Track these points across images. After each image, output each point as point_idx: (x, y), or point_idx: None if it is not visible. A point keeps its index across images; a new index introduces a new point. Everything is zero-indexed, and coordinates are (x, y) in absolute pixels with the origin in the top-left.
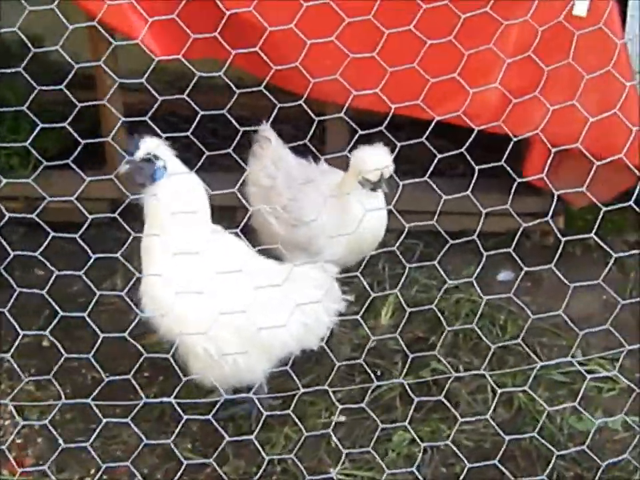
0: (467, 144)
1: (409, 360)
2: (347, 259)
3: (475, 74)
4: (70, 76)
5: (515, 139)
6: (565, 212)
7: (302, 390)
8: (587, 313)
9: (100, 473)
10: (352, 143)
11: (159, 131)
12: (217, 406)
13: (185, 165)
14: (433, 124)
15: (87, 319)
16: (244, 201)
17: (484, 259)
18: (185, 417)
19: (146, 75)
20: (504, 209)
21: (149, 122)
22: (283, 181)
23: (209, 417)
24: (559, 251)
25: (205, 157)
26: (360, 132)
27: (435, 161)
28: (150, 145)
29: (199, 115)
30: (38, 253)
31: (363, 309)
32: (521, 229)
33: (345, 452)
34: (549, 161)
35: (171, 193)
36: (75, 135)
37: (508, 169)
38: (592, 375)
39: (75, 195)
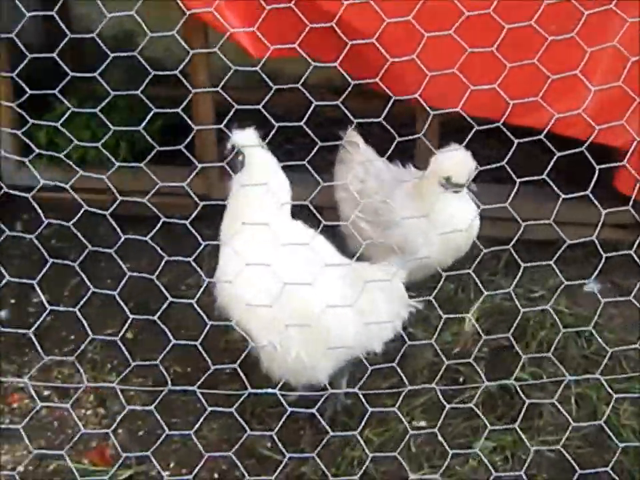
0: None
1: (494, 366)
2: (441, 260)
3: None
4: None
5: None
6: None
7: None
8: None
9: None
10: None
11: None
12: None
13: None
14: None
15: (195, 305)
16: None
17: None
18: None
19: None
20: (592, 218)
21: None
22: (372, 184)
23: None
24: None
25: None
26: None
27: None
28: (244, 135)
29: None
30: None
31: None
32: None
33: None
34: None
35: (256, 183)
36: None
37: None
38: None
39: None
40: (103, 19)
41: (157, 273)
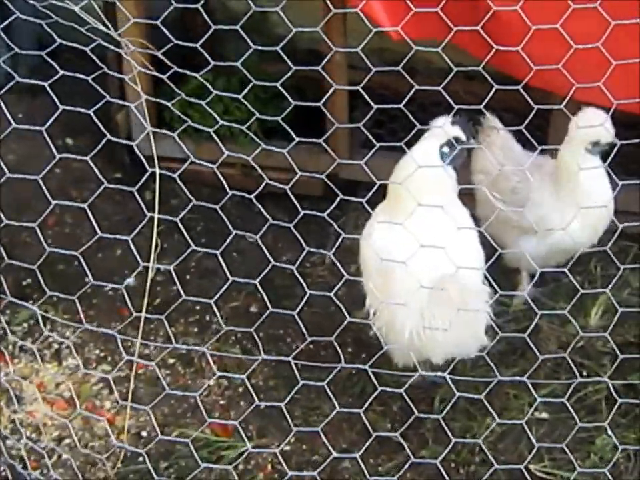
0: None
1: (618, 362)
2: (581, 238)
3: None
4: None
5: None
6: None
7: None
8: None
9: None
10: None
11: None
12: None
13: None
14: None
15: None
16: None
17: None
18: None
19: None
20: None
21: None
22: (511, 169)
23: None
24: None
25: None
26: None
27: None
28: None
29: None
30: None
31: (569, 306)
32: None
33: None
34: None
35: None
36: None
37: None
38: None
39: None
40: None
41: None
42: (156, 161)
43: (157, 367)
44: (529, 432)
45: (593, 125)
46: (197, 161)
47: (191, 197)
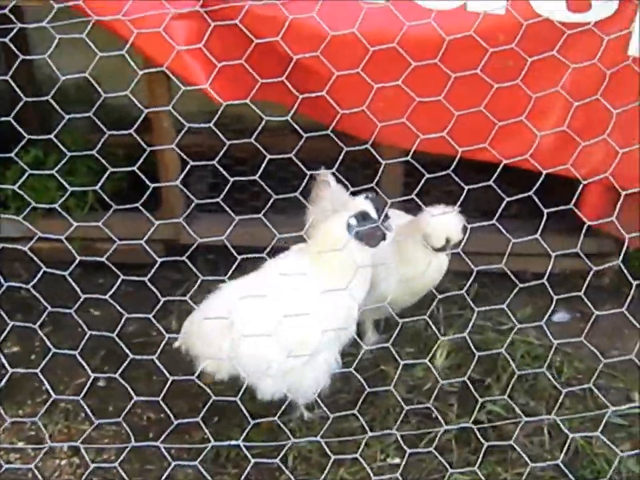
0: (519, 184)
1: (466, 400)
2: (400, 300)
3: (533, 116)
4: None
5: (584, 182)
6: (621, 253)
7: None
8: None
9: None
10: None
11: (226, 174)
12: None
13: (240, 206)
14: (498, 167)
15: (155, 360)
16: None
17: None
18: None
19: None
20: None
21: (216, 165)
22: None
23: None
24: (618, 292)
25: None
26: (427, 175)
27: (502, 205)
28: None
29: (266, 159)
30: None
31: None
32: (586, 270)
33: None
34: (608, 202)
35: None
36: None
37: (577, 212)
38: None
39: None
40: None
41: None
42: None
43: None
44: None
45: (431, 226)
46: (37, 237)
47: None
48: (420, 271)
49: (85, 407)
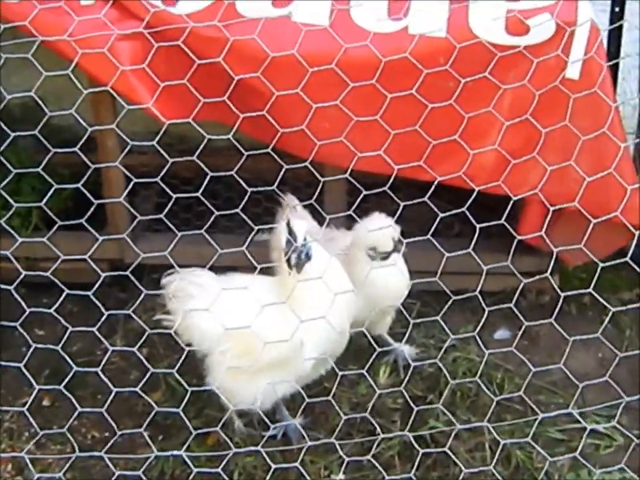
0: (462, 204)
1: (409, 417)
2: (363, 315)
3: (473, 136)
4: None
5: (514, 199)
6: (560, 271)
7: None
8: (583, 371)
9: None
10: (352, 203)
11: (170, 192)
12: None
13: (186, 226)
14: (433, 185)
15: (100, 373)
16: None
17: (484, 316)
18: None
19: (157, 138)
20: (499, 267)
21: (160, 183)
22: None
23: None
24: (556, 309)
25: (213, 217)
26: (365, 192)
27: (436, 221)
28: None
29: (208, 176)
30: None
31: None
32: (519, 287)
33: None
34: (545, 220)
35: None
36: (88, 192)
37: (509, 228)
38: (590, 429)
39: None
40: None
41: (62, 342)
42: None
43: None
44: None
45: (368, 233)
46: None
47: None
48: (381, 285)
49: (31, 419)
